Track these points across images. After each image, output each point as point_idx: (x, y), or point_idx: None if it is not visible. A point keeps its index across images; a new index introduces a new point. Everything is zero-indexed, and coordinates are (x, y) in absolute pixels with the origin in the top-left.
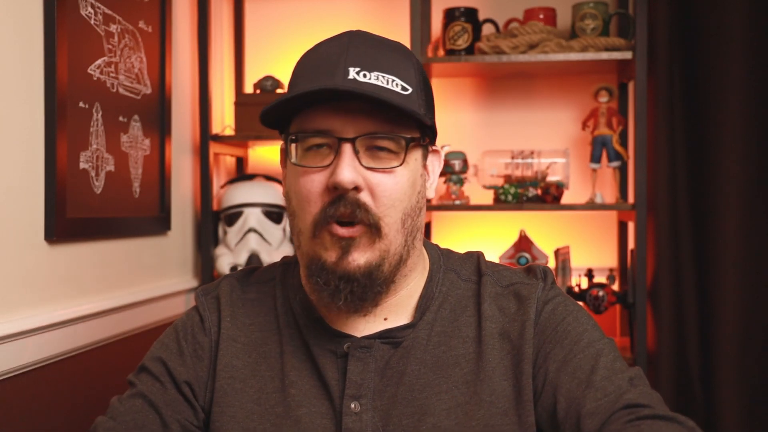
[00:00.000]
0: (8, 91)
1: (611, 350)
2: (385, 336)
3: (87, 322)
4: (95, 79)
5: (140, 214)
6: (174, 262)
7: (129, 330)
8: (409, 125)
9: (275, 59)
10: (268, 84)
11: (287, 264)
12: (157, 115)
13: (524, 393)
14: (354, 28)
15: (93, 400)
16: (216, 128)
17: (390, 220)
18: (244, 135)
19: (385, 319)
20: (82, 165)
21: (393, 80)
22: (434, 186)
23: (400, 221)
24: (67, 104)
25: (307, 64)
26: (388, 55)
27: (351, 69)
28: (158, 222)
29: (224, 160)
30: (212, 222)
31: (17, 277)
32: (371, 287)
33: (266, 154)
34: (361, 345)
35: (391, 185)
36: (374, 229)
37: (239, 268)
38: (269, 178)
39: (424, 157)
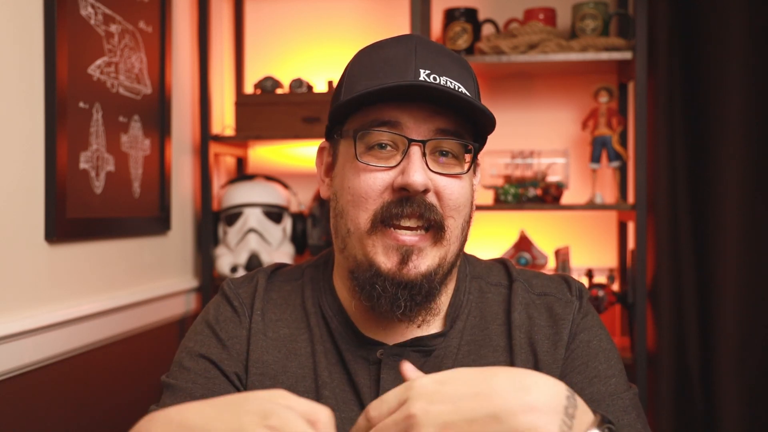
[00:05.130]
0: (8, 91)
1: (634, 408)
2: (417, 344)
3: (87, 322)
4: (95, 79)
5: (140, 214)
6: (174, 262)
7: (129, 330)
8: (469, 134)
9: (275, 59)
10: (268, 84)
11: (315, 266)
12: (157, 115)
13: None
14: (355, 29)
15: (93, 400)
16: (216, 128)
17: (454, 223)
18: (244, 135)
19: (418, 326)
20: (82, 165)
21: (459, 87)
22: (474, 200)
23: (461, 227)
24: (67, 104)
25: (370, 63)
26: (452, 63)
27: (422, 70)
28: (158, 222)
29: (224, 160)
30: (212, 222)
31: (17, 277)
32: (430, 293)
33: (266, 154)
34: (393, 353)
35: (457, 189)
36: (439, 231)
37: (239, 269)
38: (269, 178)
39: (474, 171)
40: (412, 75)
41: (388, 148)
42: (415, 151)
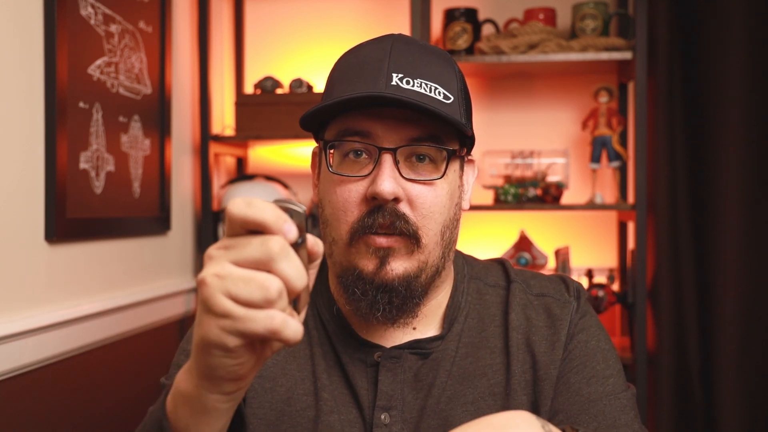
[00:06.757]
0: (8, 91)
1: (632, 408)
2: (415, 347)
3: (87, 322)
4: (95, 79)
5: (140, 214)
6: (174, 262)
7: (129, 330)
8: (449, 136)
9: (275, 59)
10: (268, 84)
11: None
12: (157, 115)
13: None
14: (355, 29)
15: (93, 400)
16: (216, 128)
17: (429, 231)
18: (244, 135)
19: (414, 328)
20: (82, 165)
21: (436, 88)
22: (469, 197)
23: (439, 233)
24: (67, 104)
25: (347, 67)
26: (431, 61)
27: (394, 75)
28: (158, 222)
29: (224, 160)
30: (212, 222)
31: (17, 277)
32: (410, 298)
33: (266, 154)
34: (391, 355)
35: (431, 197)
36: (413, 240)
37: None
38: (269, 178)
39: (461, 168)
40: (384, 80)
41: (363, 156)
42: (386, 159)
